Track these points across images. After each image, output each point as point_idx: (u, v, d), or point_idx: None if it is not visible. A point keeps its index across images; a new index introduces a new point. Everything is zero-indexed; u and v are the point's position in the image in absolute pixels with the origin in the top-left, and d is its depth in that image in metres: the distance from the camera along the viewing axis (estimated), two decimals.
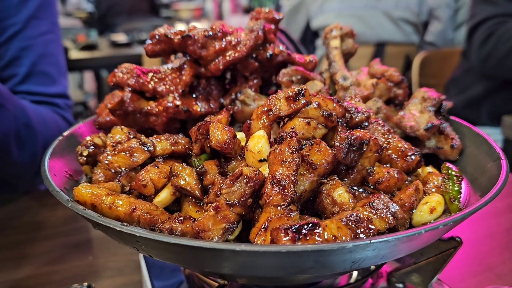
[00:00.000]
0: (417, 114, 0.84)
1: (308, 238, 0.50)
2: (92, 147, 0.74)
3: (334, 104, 0.67)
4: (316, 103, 0.66)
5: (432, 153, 0.84)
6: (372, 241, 0.47)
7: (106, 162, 0.68)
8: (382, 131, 0.72)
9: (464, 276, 1.07)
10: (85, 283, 0.97)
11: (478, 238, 1.22)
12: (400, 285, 0.82)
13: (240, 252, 0.46)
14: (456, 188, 0.66)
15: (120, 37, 4.94)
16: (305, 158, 0.61)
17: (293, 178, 0.57)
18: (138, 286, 1.03)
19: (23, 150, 1.27)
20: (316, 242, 0.50)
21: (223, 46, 0.81)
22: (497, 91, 2.33)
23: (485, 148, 0.78)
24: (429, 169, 0.74)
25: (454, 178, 0.68)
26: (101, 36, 5.48)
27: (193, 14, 6.57)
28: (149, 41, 0.83)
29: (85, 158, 0.74)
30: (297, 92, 0.66)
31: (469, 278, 1.06)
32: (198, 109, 0.82)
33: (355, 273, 0.84)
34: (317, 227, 0.51)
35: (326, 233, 0.51)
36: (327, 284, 0.81)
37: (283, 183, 0.56)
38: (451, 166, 0.73)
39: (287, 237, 0.49)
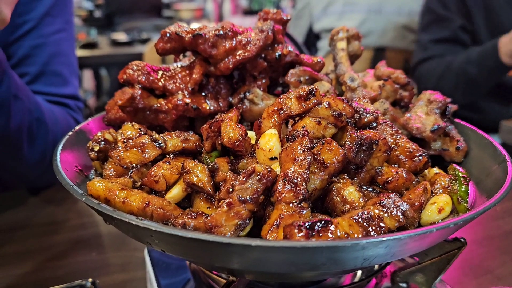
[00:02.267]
0: (423, 116, 0.85)
1: (321, 234, 0.51)
2: (103, 142, 0.75)
3: (344, 104, 0.68)
4: (327, 103, 0.67)
5: (437, 154, 0.86)
6: (385, 238, 0.48)
7: (118, 157, 0.69)
8: (390, 131, 0.73)
9: (464, 278, 1.08)
10: (90, 279, 0.98)
11: (477, 241, 1.23)
12: (404, 284, 0.83)
13: (256, 247, 0.47)
14: (464, 189, 0.67)
15: (121, 36, 4.94)
16: (316, 156, 0.62)
17: (305, 176, 0.58)
18: (141, 283, 1.04)
19: (34, 146, 1.25)
20: (328, 239, 0.51)
21: (233, 45, 0.82)
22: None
23: (490, 150, 0.79)
24: (436, 170, 0.75)
25: (462, 179, 0.69)
26: (101, 35, 5.48)
27: (193, 14, 6.57)
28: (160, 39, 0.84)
29: (96, 154, 0.74)
30: (308, 91, 0.67)
31: (470, 280, 1.07)
32: (207, 107, 0.83)
33: (359, 273, 0.85)
34: (329, 224, 0.52)
35: (338, 230, 0.52)
36: (331, 283, 0.82)
37: (295, 181, 0.57)
38: (458, 167, 0.74)
39: (301, 233, 0.50)
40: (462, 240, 0.75)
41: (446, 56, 2.28)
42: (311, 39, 3.44)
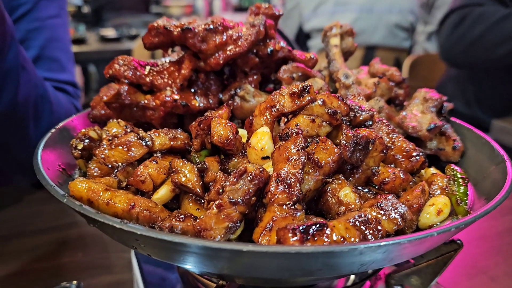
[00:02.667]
0: (418, 114, 0.83)
1: (316, 238, 0.48)
2: (87, 140, 0.71)
3: (339, 102, 0.66)
4: (321, 100, 0.64)
5: (433, 154, 0.83)
6: (384, 243, 0.45)
7: (102, 156, 0.66)
8: (386, 130, 0.70)
9: (459, 279, 1.06)
10: (74, 282, 0.95)
11: (470, 241, 1.21)
12: (399, 287, 0.81)
13: (248, 252, 0.44)
14: (462, 190, 0.65)
15: (109, 32, 4.87)
16: (310, 156, 0.59)
17: (299, 177, 0.55)
18: (128, 285, 1.01)
19: (39, 126, 1.21)
20: (324, 243, 0.48)
21: (223, 40, 0.79)
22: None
23: (487, 150, 0.77)
24: (433, 170, 0.73)
25: (460, 179, 0.67)
26: (89, 31, 5.40)
27: (183, 11, 6.50)
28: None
29: (79, 152, 0.71)
30: (302, 88, 0.64)
31: (464, 281, 1.06)
32: (197, 104, 0.80)
33: (352, 276, 0.82)
34: (325, 228, 0.49)
35: (334, 234, 0.49)
36: (324, 286, 0.80)
37: (289, 182, 0.54)
38: (456, 167, 0.72)
39: (295, 238, 0.47)
40: (459, 242, 0.72)
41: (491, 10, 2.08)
42: (301, 39, 3.43)
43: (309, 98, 0.64)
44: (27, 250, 1.13)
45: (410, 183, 0.67)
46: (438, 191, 0.66)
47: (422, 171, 0.72)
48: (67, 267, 1.08)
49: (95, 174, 0.67)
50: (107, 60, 0.80)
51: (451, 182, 0.67)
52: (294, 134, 0.58)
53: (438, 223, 0.61)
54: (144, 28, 5.43)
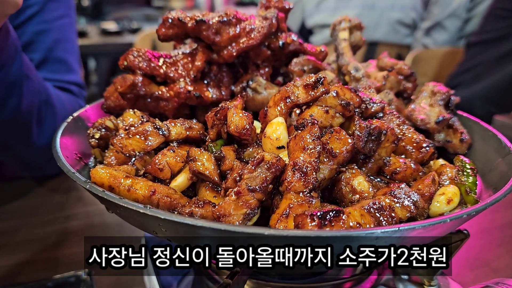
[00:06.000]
0: (427, 107, 0.84)
1: (333, 224, 0.50)
2: (104, 129, 0.73)
3: (352, 94, 0.67)
4: (335, 91, 0.66)
5: (440, 146, 0.85)
6: (399, 228, 0.47)
7: (120, 145, 0.67)
8: (397, 122, 0.72)
9: (462, 270, 1.08)
10: (86, 270, 0.96)
11: (474, 234, 1.23)
12: (406, 276, 0.82)
13: (269, 236, 0.46)
14: (471, 180, 0.67)
15: (111, 25, 4.86)
16: (325, 146, 0.61)
17: (315, 165, 0.57)
18: (138, 273, 1.02)
19: (43, 130, 1.21)
20: (341, 229, 0.50)
21: (237, 32, 0.80)
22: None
23: (494, 143, 0.78)
24: (441, 161, 0.75)
25: (469, 170, 0.69)
26: (90, 24, 5.39)
27: (185, 4, 6.49)
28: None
29: (96, 141, 0.72)
30: (316, 80, 0.66)
31: (467, 272, 1.07)
32: (210, 96, 0.81)
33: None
34: (341, 214, 0.51)
35: (350, 220, 0.51)
36: (332, 275, 0.81)
37: (305, 170, 0.56)
38: (464, 158, 0.73)
39: (314, 223, 0.49)
40: (465, 232, 0.74)
41: None
42: (304, 34, 3.43)
43: (323, 89, 0.65)
44: (35, 240, 1.14)
45: (420, 174, 0.69)
46: (448, 181, 0.67)
47: (431, 162, 0.74)
48: (76, 257, 1.09)
49: (112, 162, 0.69)
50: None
51: (460, 172, 0.69)
52: (310, 124, 0.60)
53: (448, 212, 0.63)
54: (145, 22, 5.42)
